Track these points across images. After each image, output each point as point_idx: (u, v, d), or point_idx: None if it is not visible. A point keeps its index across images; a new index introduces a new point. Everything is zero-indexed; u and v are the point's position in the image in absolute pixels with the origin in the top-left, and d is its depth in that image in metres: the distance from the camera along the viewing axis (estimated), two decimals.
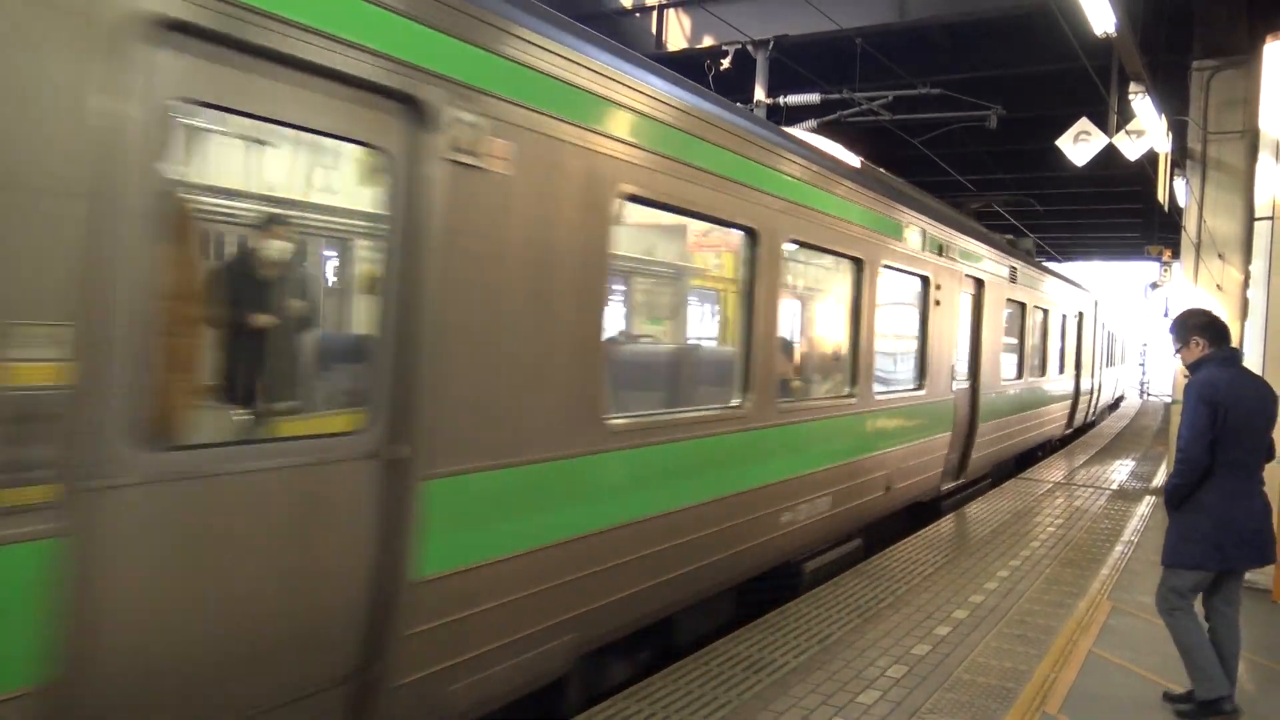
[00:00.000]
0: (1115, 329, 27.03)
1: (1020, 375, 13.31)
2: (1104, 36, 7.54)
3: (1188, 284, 11.80)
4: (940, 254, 9.21)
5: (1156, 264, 24.16)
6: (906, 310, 8.97)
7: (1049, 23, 9.85)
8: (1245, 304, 8.29)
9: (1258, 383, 4.80)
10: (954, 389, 9.84)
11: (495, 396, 3.74)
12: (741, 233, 5.70)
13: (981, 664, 5.27)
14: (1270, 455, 4.75)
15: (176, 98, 2.64)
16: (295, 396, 3.54)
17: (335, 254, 3.99)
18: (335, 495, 3.15)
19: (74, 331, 2.40)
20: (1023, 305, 13.10)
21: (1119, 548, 8.46)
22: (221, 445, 3.01)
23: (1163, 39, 12.07)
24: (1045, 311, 14.83)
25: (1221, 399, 4.48)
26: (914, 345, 9.01)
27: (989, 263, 11.15)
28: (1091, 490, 11.96)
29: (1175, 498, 4.63)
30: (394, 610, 3.34)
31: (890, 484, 8.14)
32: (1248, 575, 7.06)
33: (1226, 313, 11.17)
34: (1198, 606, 4.71)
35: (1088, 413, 20.99)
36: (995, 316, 11.47)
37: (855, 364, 7.36)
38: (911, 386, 8.85)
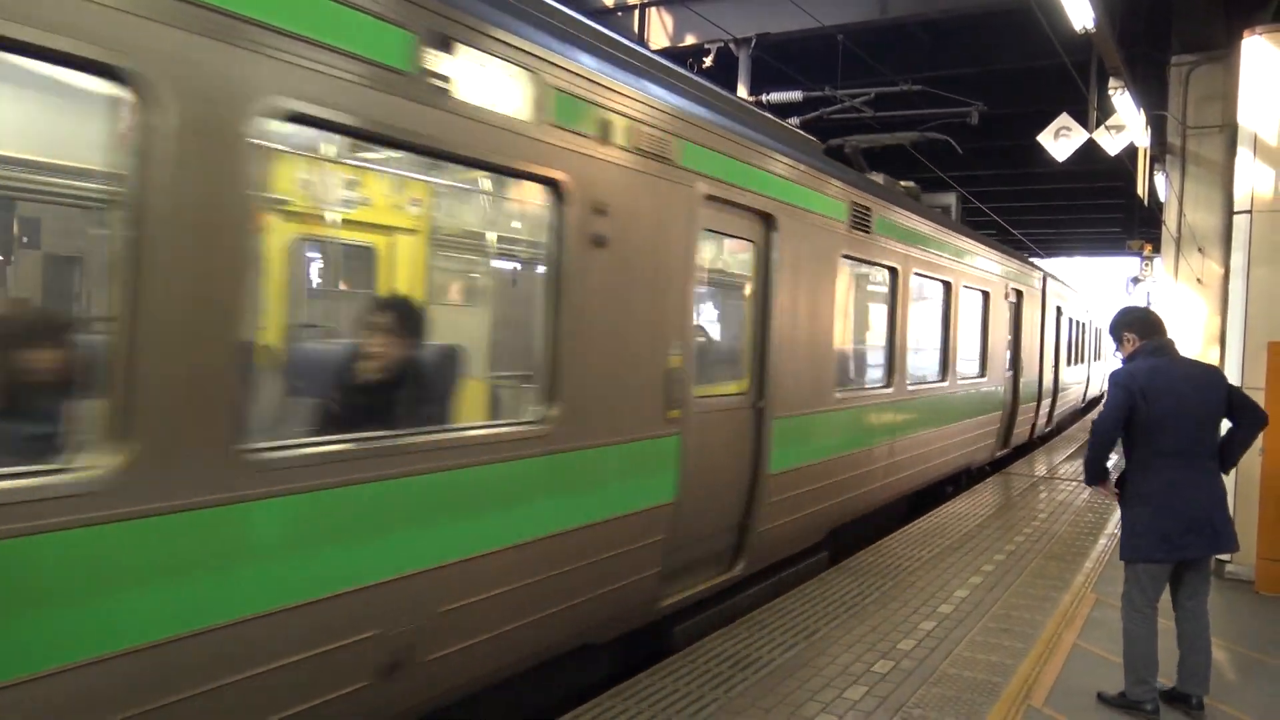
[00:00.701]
0: (1082, 316, 22.93)
1: (890, 381, 8.80)
2: (1083, 32, 7.59)
3: (1168, 278, 11.90)
4: (607, 137, 4.50)
5: (1138, 259, 24.40)
6: (490, 255, 5.15)
7: (1029, 19, 9.89)
8: (1226, 297, 8.34)
9: (1197, 371, 4.81)
10: (687, 415, 5.25)
11: None
12: None
13: (967, 658, 5.29)
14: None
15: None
16: None
17: None
18: None
19: None
20: (893, 271, 8.69)
21: (1102, 541, 8.51)
22: None
23: (1141, 34, 12.17)
24: (945, 285, 10.36)
25: (1139, 386, 4.58)
26: (519, 335, 4.60)
27: (788, 187, 6.42)
28: (1075, 484, 12.03)
29: (1088, 471, 4.82)
30: None
31: (400, 658, 3.52)
32: (1230, 566, 7.19)
33: (1207, 306, 11.30)
34: (1170, 605, 4.74)
35: (1036, 423, 16.27)
36: (816, 285, 6.96)
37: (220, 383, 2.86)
38: (517, 423, 4.20)
